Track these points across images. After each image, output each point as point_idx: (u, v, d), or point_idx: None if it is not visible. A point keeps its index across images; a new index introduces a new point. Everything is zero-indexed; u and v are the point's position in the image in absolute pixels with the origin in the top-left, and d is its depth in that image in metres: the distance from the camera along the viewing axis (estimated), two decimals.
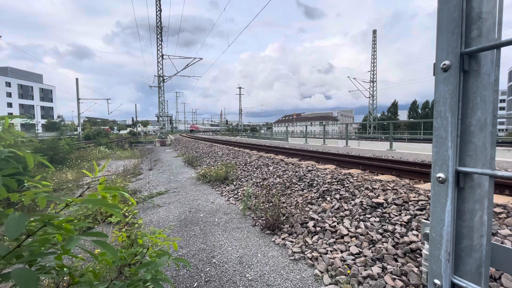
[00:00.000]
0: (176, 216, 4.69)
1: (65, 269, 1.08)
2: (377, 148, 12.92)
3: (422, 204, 3.32)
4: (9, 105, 65.10)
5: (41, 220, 0.83)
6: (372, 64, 43.69)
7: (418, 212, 3.18)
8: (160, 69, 30.15)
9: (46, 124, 57.17)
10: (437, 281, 0.59)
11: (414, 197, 3.54)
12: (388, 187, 4.05)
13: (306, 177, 5.51)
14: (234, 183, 6.73)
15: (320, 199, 4.44)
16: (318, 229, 3.51)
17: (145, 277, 1.03)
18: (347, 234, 3.21)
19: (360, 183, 4.46)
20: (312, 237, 3.40)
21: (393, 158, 6.94)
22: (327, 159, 7.09)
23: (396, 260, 2.62)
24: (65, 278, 1.09)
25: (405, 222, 3.10)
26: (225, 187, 6.59)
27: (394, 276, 2.38)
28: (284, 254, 3.16)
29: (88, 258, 2.91)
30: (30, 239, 0.84)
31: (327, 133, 32.40)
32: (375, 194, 3.93)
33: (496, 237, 2.50)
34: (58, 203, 0.95)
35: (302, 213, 4.01)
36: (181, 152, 16.99)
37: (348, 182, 4.66)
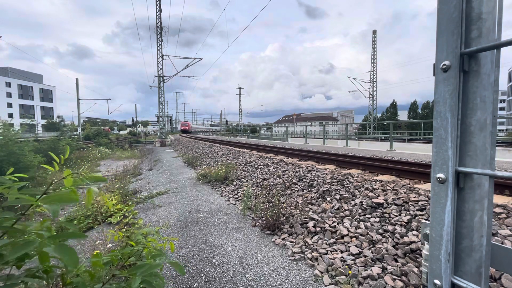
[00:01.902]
0: (176, 216, 4.69)
1: (63, 269, 1.06)
2: (377, 148, 12.93)
3: (422, 204, 3.32)
4: (9, 105, 65.13)
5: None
6: (372, 65, 43.71)
7: (418, 213, 3.18)
8: (160, 69, 30.16)
9: (46, 125, 57.21)
10: (437, 282, 0.59)
11: (414, 197, 3.54)
12: (388, 187, 4.05)
13: (306, 177, 5.51)
14: (234, 183, 6.72)
15: (320, 199, 4.44)
16: (318, 229, 3.51)
17: (132, 284, 0.95)
18: (347, 235, 3.21)
19: (360, 183, 4.46)
20: (312, 237, 3.39)
21: (393, 159, 6.94)
22: (327, 159, 7.10)
23: (396, 261, 2.62)
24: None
25: (405, 222, 3.10)
26: (225, 188, 6.59)
27: (394, 276, 2.38)
28: (284, 254, 3.16)
29: (87, 257, 2.91)
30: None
31: (327, 133, 32.40)
32: (375, 194, 3.93)
33: (496, 237, 2.50)
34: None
35: (302, 213, 4.01)
36: (181, 152, 16.99)
37: (348, 182, 4.66)
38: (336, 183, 4.78)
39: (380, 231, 3.10)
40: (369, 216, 3.46)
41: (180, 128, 69.90)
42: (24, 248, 0.73)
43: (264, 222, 3.94)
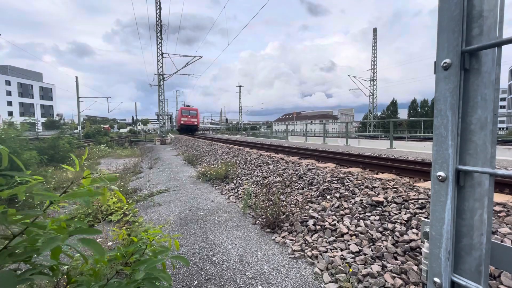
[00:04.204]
0: (176, 215, 4.70)
1: (65, 267, 1.06)
2: (377, 146, 12.93)
3: (422, 202, 3.33)
4: (9, 103, 65.12)
5: (21, 220, 0.79)
6: (373, 63, 43.59)
7: (418, 211, 3.18)
8: (160, 67, 30.10)
9: (46, 123, 57.27)
10: (437, 280, 0.60)
11: (414, 195, 3.54)
12: (388, 186, 4.05)
13: (306, 176, 5.51)
14: (234, 181, 6.73)
15: (320, 197, 4.45)
16: (318, 227, 3.52)
17: (136, 276, 0.99)
18: (347, 233, 3.22)
19: (360, 182, 4.46)
20: (312, 236, 3.40)
21: (393, 157, 6.94)
22: (327, 157, 7.09)
23: (395, 259, 2.62)
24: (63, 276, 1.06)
25: (405, 220, 3.10)
26: (225, 186, 6.60)
27: (394, 274, 2.39)
28: (284, 252, 3.17)
29: (88, 255, 2.92)
30: (19, 238, 0.81)
31: (327, 132, 32.36)
32: (375, 192, 3.94)
33: (496, 236, 2.51)
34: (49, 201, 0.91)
35: (302, 211, 4.02)
36: (181, 150, 17.00)
37: (348, 181, 4.66)
38: (336, 182, 4.78)
39: (380, 229, 3.10)
40: (369, 214, 3.47)
41: (178, 123, 37.52)
42: (55, 242, 0.76)
43: (264, 220, 3.95)
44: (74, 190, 0.94)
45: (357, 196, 4.01)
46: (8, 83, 64.82)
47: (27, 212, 0.83)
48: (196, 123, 35.18)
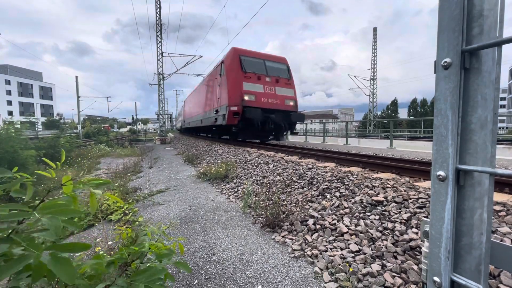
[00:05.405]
0: (176, 214, 4.70)
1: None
2: (377, 146, 12.93)
3: (422, 202, 3.33)
4: (9, 103, 65.13)
5: None
6: (373, 62, 43.56)
7: (418, 210, 3.18)
8: (160, 66, 30.07)
9: (45, 122, 57.27)
10: (436, 279, 0.60)
11: (414, 195, 3.55)
12: (388, 185, 4.05)
13: (306, 175, 5.51)
14: (234, 181, 6.73)
15: (320, 197, 4.45)
16: (318, 226, 3.52)
17: None
18: (347, 232, 3.22)
19: (360, 181, 4.46)
20: (312, 235, 3.41)
21: (393, 156, 6.94)
22: (327, 157, 7.09)
23: (395, 258, 2.63)
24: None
25: (405, 220, 3.11)
26: (225, 185, 6.60)
27: (394, 274, 2.39)
28: (284, 251, 3.17)
29: (89, 255, 2.91)
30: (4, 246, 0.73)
31: (327, 131, 32.33)
32: (375, 192, 3.94)
33: (495, 235, 2.51)
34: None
35: (302, 211, 4.02)
36: (181, 150, 16.99)
37: (348, 180, 4.66)
38: (336, 181, 4.78)
39: (380, 228, 3.10)
40: (369, 213, 3.47)
41: (230, 103, 10.59)
42: (16, 265, 0.67)
43: (264, 219, 3.96)
44: (53, 198, 0.85)
45: (357, 196, 4.01)
46: (8, 82, 64.81)
47: None
48: (292, 103, 12.29)
